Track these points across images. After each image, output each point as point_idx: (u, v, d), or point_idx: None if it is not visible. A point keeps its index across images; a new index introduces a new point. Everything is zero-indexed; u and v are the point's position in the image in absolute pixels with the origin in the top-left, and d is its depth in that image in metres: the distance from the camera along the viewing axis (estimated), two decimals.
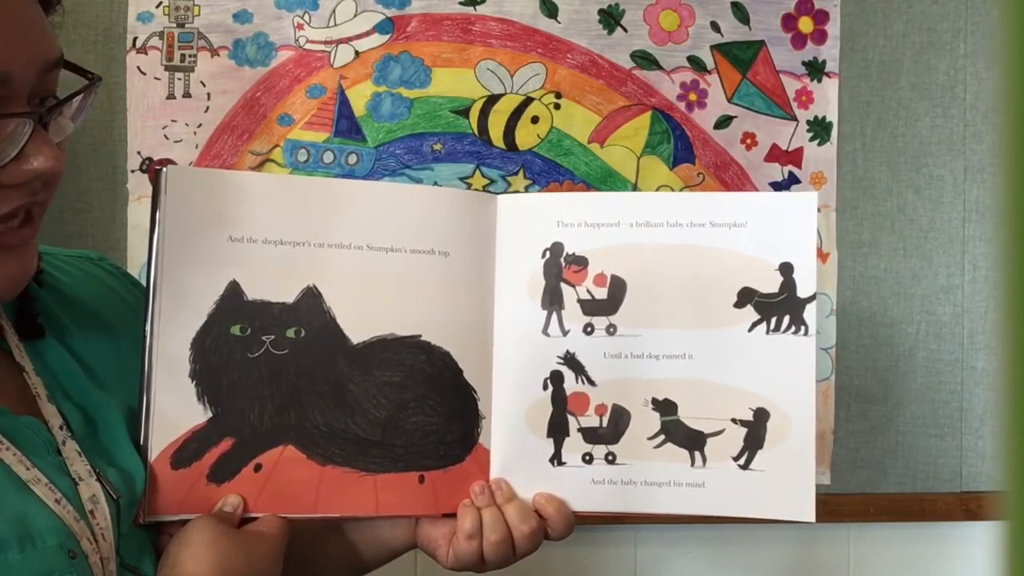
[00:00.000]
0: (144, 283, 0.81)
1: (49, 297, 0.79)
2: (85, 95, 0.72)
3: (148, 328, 0.79)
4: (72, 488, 0.70)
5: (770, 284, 0.86)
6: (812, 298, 0.86)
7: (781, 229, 0.87)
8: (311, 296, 0.84)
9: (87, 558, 0.68)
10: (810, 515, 0.84)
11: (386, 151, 1.30)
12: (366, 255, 0.85)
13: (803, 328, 0.86)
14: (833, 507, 1.33)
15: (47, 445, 0.71)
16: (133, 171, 1.27)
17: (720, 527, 1.35)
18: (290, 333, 0.83)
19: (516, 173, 1.31)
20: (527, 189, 1.30)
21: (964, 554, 1.40)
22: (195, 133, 1.27)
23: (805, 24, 1.35)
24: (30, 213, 0.70)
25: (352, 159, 1.29)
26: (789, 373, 0.86)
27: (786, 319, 0.86)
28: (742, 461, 0.86)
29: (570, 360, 0.88)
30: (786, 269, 0.86)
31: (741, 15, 1.33)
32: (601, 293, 0.88)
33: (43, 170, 0.66)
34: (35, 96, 0.68)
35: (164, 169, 0.81)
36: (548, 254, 0.89)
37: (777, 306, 0.86)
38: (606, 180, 1.31)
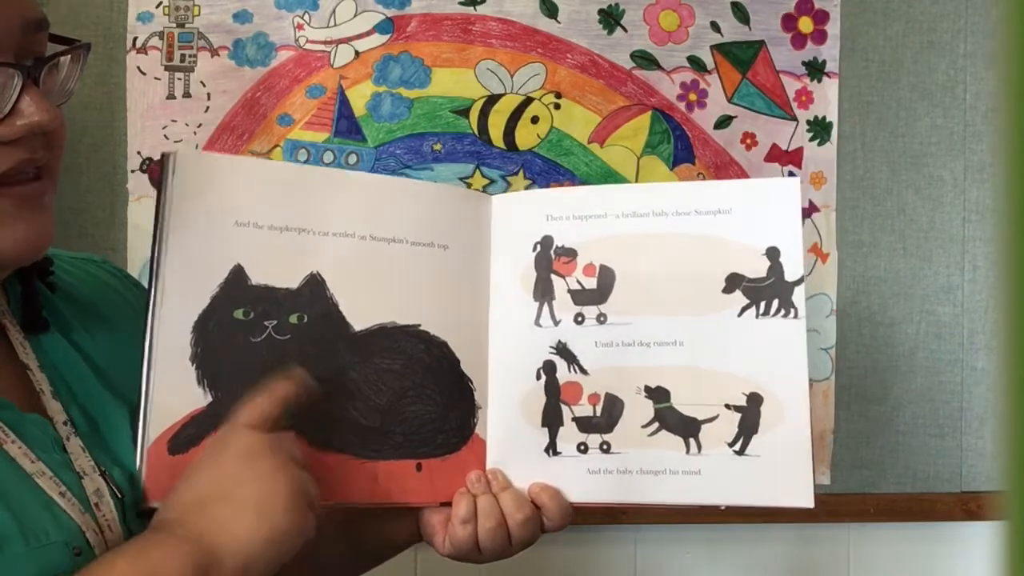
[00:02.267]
0: (149, 266, 0.80)
1: (57, 297, 0.79)
2: (74, 58, 0.72)
3: (151, 311, 0.79)
4: (77, 483, 0.70)
5: (757, 269, 0.86)
6: (800, 281, 0.86)
7: (766, 215, 0.87)
8: (315, 283, 0.83)
9: (94, 550, 0.68)
10: (808, 500, 0.83)
11: (386, 151, 1.30)
12: (369, 244, 0.85)
13: (792, 311, 0.86)
14: (833, 507, 1.33)
15: (53, 442, 0.71)
16: (133, 171, 1.27)
17: (720, 527, 1.35)
18: (293, 319, 0.82)
19: (516, 173, 1.31)
20: (527, 189, 1.30)
21: (964, 554, 1.40)
22: (195, 133, 1.27)
23: (805, 24, 1.35)
24: (39, 171, 0.69)
25: (352, 159, 1.29)
26: (781, 357, 0.85)
27: (775, 303, 0.86)
28: (737, 447, 0.85)
29: (562, 349, 0.88)
30: (773, 253, 0.86)
31: (741, 15, 1.33)
32: (590, 283, 0.88)
33: (38, 123, 0.66)
34: (23, 57, 0.68)
35: (172, 153, 0.81)
36: (539, 247, 0.90)
37: (765, 290, 0.86)
38: (606, 180, 1.31)
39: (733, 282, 0.87)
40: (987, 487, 1.37)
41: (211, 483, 0.71)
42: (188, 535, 0.68)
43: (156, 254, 0.79)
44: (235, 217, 0.82)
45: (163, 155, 0.80)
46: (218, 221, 0.81)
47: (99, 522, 0.70)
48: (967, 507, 1.37)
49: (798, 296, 0.86)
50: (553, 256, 0.89)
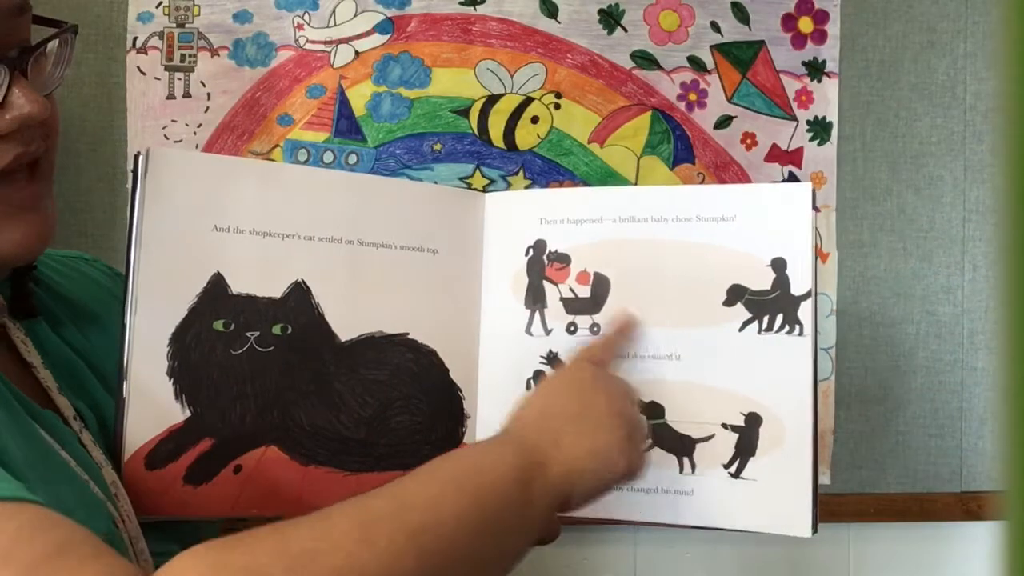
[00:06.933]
0: (124, 275, 0.77)
1: (46, 296, 0.79)
2: (62, 43, 0.72)
3: (125, 322, 0.75)
4: (98, 474, 0.70)
5: (761, 281, 0.81)
6: (807, 296, 0.80)
7: (773, 223, 0.82)
8: (300, 291, 0.80)
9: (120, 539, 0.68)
10: (805, 530, 0.78)
11: (386, 151, 1.30)
12: (356, 250, 0.82)
13: (798, 328, 0.80)
14: (833, 507, 1.33)
15: (69, 437, 0.71)
16: (133, 171, 1.27)
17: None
18: (276, 329, 0.79)
19: (516, 173, 1.31)
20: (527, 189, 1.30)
21: (964, 554, 1.40)
22: (195, 133, 1.27)
23: (805, 24, 1.34)
24: (33, 169, 0.69)
25: (352, 159, 1.29)
26: (783, 376, 0.80)
27: (779, 318, 0.81)
28: (733, 469, 0.81)
29: (553, 360, 0.85)
30: (779, 265, 0.81)
31: (741, 15, 1.33)
32: (584, 291, 0.85)
33: (29, 114, 0.66)
34: (7, 48, 0.67)
35: (145, 151, 0.77)
36: (531, 252, 0.87)
37: (769, 304, 0.81)
38: (606, 180, 1.31)
39: (735, 294, 0.82)
40: (987, 487, 1.37)
41: (545, 402, 0.75)
42: (517, 439, 0.72)
43: (130, 262, 0.75)
44: (214, 221, 0.78)
45: (136, 154, 0.77)
46: (196, 226, 0.77)
47: (120, 512, 0.70)
48: (967, 507, 1.37)
49: (805, 312, 0.80)
50: (546, 261, 0.86)
